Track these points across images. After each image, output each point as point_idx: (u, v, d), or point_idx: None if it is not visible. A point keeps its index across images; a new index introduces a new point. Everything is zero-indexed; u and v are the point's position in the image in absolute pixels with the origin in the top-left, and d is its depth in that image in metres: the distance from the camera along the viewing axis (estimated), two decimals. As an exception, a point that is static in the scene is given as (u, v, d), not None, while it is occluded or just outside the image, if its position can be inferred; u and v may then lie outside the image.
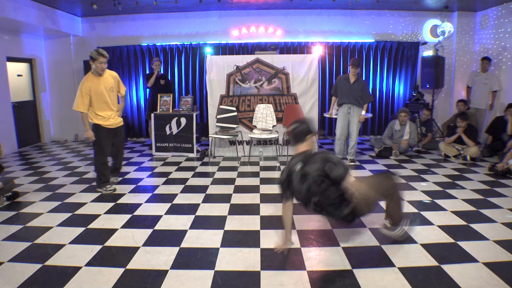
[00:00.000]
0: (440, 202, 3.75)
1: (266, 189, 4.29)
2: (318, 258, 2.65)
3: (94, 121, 4.18)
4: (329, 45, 7.55)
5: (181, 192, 4.23)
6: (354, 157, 5.57)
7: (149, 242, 2.93)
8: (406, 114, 5.99)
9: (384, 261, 2.57)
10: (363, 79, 7.71)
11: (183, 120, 6.15)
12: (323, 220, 3.32)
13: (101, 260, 2.65)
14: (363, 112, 5.47)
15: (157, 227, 3.24)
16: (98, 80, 4.16)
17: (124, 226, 3.25)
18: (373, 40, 7.59)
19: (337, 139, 5.60)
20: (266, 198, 3.94)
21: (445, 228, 3.09)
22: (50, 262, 2.62)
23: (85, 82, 4.10)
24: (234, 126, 5.95)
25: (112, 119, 4.28)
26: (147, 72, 7.60)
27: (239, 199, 3.94)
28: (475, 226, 3.13)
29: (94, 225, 3.30)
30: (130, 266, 2.56)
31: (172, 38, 7.68)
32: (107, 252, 2.77)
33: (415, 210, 3.53)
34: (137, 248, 2.83)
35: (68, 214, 3.55)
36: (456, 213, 3.44)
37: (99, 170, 4.29)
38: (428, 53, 7.58)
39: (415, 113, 6.64)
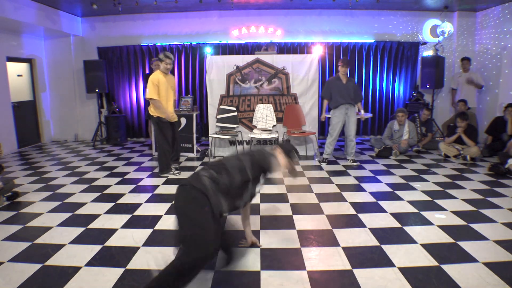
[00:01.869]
0: (440, 202, 3.75)
1: (266, 189, 4.28)
2: (318, 258, 2.65)
3: (155, 114, 4.80)
4: (329, 45, 7.55)
5: (181, 192, 4.23)
6: (355, 157, 5.56)
7: (149, 242, 2.93)
8: (403, 114, 6.00)
9: (384, 261, 2.57)
10: (362, 79, 7.72)
11: (183, 120, 6.15)
12: (323, 220, 3.32)
13: (101, 260, 2.65)
14: (362, 112, 5.47)
15: (157, 227, 3.24)
16: (164, 77, 4.83)
17: (124, 226, 3.25)
18: (373, 40, 7.59)
19: (332, 139, 5.52)
20: (266, 198, 3.94)
21: (445, 228, 3.09)
22: (50, 262, 2.62)
23: (155, 75, 4.78)
24: (234, 126, 5.96)
25: (169, 113, 4.85)
26: (147, 72, 7.60)
27: (239, 199, 3.94)
28: (475, 226, 3.13)
29: (94, 225, 3.30)
30: (130, 266, 2.56)
31: (172, 38, 7.68)
32: (107, 252, 2.77)
33: (415, 210, 3.53)
34: (137, 248, 2.83)
35: (68, 214, 3.55)
36: (456, 213, 3.44)
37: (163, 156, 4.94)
38: (428, 53, 7.57)
39: (415, 113, 6.64)
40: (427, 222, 3.24)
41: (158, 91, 4.76)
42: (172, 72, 7.71)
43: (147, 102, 6.95)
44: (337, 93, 5.40)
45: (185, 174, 4.99)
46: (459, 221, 3.25)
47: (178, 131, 5.18)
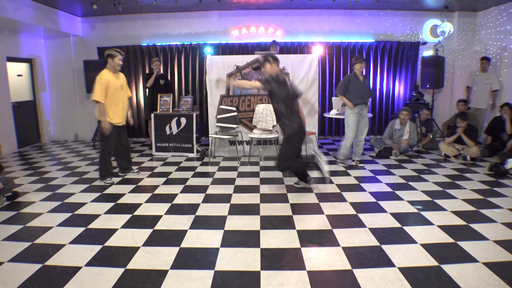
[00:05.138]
0: (440, 202, 3.75)
1: (266, 189, 4.29)
2: (318, 258, 2.65)
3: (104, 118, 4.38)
4: (329, 45, 7.55)
5: (181, 192, 4.23)
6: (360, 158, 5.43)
7: (149, 242, 2.93)
8: (407, 113, 5.98)
9: (384, 261, 2.57)
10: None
11: (183, 120, 6.15)
12: (323, 220, 3.32)
13: (101, 260, 2.65)
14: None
15: (157, 227, 3.24)
16: (114, 76, 4.45)
17: (124, 226, 3.25)
18: (373, 40, 7.59)
19: (349, 142, 5.26)
20: (266, 198, 3.94)
21: (445, 228, 3.09)
22: (50, 262, 2.62)
23: (104, 76, 4.32)
24: (234, 126, 5.95)
25: (120, 117, 4.55)
26: (147, 72, 7.60)
27: (239, 199, 3.94)
28: (475, 226, 3.13)
29: (94, 225, 3.30)
30: (130, 266, 2.56)
31: (172, 38, 7.68)
32: (107, 252, 2.77)
33: (415, 210, 3.53)
34: (137, 248, 2.83)
35: (68, 214, 3.55)
36: (456, 213, 3.44)
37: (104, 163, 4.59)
38: (428, 53, 7.58)
39: (415, 113, 6.64)
40: (427, 222, 3.24)
41: (106, 93, 4.31)
42: (172, 72, 7.76)
43: (147, 102, 6.98)
44: (355, 91, 5.12)
45: (185, 175, 4.99)
46: (459, 221, 3.25)
47: (126, 137, 4.82)
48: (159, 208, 3.69)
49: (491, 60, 6.75)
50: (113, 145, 4.58)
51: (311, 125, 6.06)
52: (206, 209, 3.65)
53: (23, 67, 7.39)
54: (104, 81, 4.28)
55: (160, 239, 3.00)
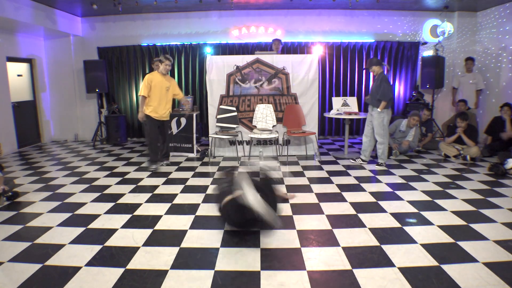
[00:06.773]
0: (440, 202, 3.75)
1: (266, 189, 4.28)
2: (318, 258, 2.65)
3: (146, 111, 5.11)
4: (329, 45, 7.55)
5: (181, 192, 4.23)
6: (384, 160, 5.26)
7: (149, 242, 2.93)
8: (418, 118, 5.92)
9: (384, 261, 2.57)
10: (362, 79, 7.70)
11: (183, 120, 6.15)
12: (323, 220, 3.32)
13: (101, 260, 2.65)
14: (379, 109, 5.10)
15: (157, 227, 3.24)
16: (161, 77, 5.15)
17: (124, 226, 3.25)
18: (373, 40, 7.59)
19: (364, 140, 5.52)
20: (266, 198, 3.94)
21: (445, 228, 3.09)
22: (50, 262, 2.62)
23: (149, 76, 5.10)
24: (234, 126, 5.96)
25: (160, 112, 5.18)
26: (147, 72, 7.60)
27: (239, 199, 3.94)
28: (475, 226, 3.13)
29: (94, 225, 3.30)
30: (130, 266, 2.56)
31: (172, 38, 7.68)
32: (107, 252, 2.77)
33: (415, 210, 3.53)
34: (137, 248, 2.83)
35: (68, 214, 3.55)
36: (456, 213, 3.44)
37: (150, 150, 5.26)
38: (428, 53, 7.58)
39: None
40: (427, 222, 3.24)
41: (151, 90, 5.06)
42: (172, 72, 7.76)
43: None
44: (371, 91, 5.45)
45: (185, 175, 4.99)
46: (459, 221, 3.25)
47: (167, 130, 5.57)
48: (159, 208, 3.69)
49: (475, 59, 7.01)
50: (155, 135, 5.22)
51: (311, 125, 6.06)
52: (206, 209, 3.65)
53: (23, 67, 7.38)
54: (147, 80, 5.04)
55: (160, 239, 3.00)
